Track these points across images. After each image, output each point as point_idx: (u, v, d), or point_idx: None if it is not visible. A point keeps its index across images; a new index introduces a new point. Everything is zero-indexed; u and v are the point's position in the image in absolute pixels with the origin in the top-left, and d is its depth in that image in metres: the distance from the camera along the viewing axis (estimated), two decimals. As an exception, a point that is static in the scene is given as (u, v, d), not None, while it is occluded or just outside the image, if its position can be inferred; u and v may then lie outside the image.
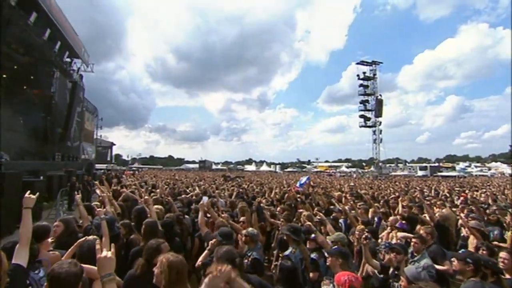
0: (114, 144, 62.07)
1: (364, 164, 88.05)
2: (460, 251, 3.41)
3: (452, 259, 2.64)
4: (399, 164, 76.27)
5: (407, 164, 78.83)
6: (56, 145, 19.78)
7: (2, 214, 5.74)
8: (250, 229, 3.33)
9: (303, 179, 11.03)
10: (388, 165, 65.81)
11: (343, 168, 71.58)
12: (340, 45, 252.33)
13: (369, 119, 44.63)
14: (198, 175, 24.80)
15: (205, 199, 4.01)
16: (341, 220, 5.23)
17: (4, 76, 16.36)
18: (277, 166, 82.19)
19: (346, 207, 5.60)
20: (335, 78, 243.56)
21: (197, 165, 77.56)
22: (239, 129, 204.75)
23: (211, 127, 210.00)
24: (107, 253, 1.38)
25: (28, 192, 2.18)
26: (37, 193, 2.19)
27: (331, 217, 5.02)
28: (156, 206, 4.49)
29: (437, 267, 2.93)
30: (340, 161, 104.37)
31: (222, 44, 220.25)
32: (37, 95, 18.60)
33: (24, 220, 1.95)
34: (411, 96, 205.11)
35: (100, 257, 1.36)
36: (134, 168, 59.90)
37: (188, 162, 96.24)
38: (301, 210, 5.22)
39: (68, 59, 20.06)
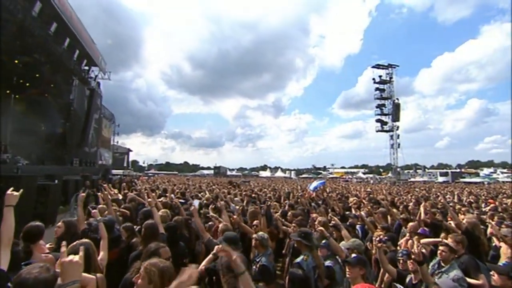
0: (131, 151, 63.56)
1: (381, 170, 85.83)
2: (498, 264, 3.05)
3: (491, 273, 2.31)
4: (418, 170, 73.79)
5: (426, 170, 76.14)
6: (74, 150, 20.31)
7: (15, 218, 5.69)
8: (260, 233, 3.12)
9: (315, 183, 10.57)
10: (406, 171, 63.70)
11: (360, 174, 69.98)
12: (355, 50, 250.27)
13: (385, 123, 43.46)
14: (211, 180, 24.76)
15: (195, 203, 3.81)
16: (358, 227, 4.92)
17: (28, 84, 17.10)
18: (292, 172, 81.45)
19: (363, 213, 5.28)
20: (351, 83, 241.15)
21: (212, 172, 77.94)
22: (254, 135, 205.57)
23: (226, 134, 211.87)
24: (73, 257, 1.18)
25: (11, 189, 2.02)
26: (21, 190, 2.02)
27: (347, 223, 4.72)
28: (162, 210, 4.38)
29: (470, 280, 2.60)
30: (356, 167, 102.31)
31: (237, 51, 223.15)
32: (57, 102, 19.24)
33: (6, 219, 1.80)
34: (430, 100, 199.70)
35: (63, 261, 1.17)
36: (150, 174, 61.00)
37: (203, 168, 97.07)
38: (314, 215, 4.93)
39: (86, 67, 20.74)
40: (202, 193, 9.07)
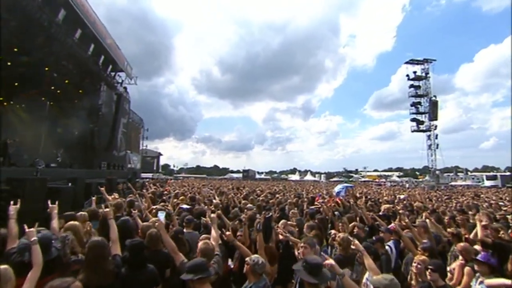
0: (161, 154, 65.75)
1: (417, 173, 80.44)
2: None
3: None
4: (459, 173, 67.94)
5: (469, 173, 69.88)
6: (102, 154, 20.92)
7: (21, 220, 5.44)
8: (254, 256, 2.37)
9: (340, 186, 9.38)
10: (446, 174, 58.78)
11: (394, 178, 65.82)
12: (388, 47, 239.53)
13: (422, 122, 40.43)
14: (237, 184, 24.28)
15: (160, 216, 3.10)
16: (390, 243, 3.96)
17: (58, 92, 17.85)
18: (322, 176, 78.90)
19: (396, 223, 4.29)
20: (384, 82, 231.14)
21: (240, 175, 78.05)
22: (283, 138, 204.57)
23: (255, 137, 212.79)
24: None
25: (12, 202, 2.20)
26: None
27: (375, 238, 3.79)
28: (153, 219, 3.78)
29: None
30: (390, 170, 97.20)
31: (266, 53, 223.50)
32: (86, 107, 19.93)
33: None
34: (472, 97, 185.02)
35: None
36: (180, 178, 62.40)
37: (233, 171, 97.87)
38: (333, 232, 4.04)
39: (112, 73, 21.35)
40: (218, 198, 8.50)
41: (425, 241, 3.49)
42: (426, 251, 2.93)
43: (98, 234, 3.29)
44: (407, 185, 42.20)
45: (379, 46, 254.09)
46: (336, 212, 5.81)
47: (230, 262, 3.35)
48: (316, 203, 7.78)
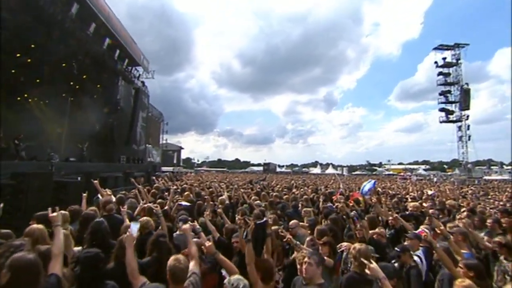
0: (182, 148, 66.84)
1: (445, 166, 76.27)
2: None
3: None
4: (492, 167, 63.44)
5: (504, 166, 65.09)
6: (121, 148, 21.26)
7: (24, 215, 5.34)
8: (234, 278, 1.87)
9: (367, 185, 8.42)
10: (478, 167, 55.09)
11: (421, 171, 62.56)
12: (414, 35, 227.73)
13: (452, 112, 37.82)
14: (256, 177, 23.92)
15: (133, 228, 2.60)
16: (419, 252, 3.29)
17: (77, 87, 18.15)
18: (344, 169, 76.86)
19: (425, 229, 3.60)
20: (409, 72, 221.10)
21: (261, 168, 77.87)
22: (305, 131, 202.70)
23: (276, 130, 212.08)
24: None
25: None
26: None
27: (400, 248, 3.14)
28: (143, 218, 3.38)
29: None
30: (416, 163, 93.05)
31: (286, 45, 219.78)
32: (105, 102, 20.24)
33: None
34: (508, 86, 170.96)
35: None
36: (202, 171, 63.21)
37: (254, 165, 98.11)
38: (345, 244, 3.37)
39: (130, 67, 21.46)
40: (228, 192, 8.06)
41: (465, 252, 2.81)
42: (471, 270, 2.27)
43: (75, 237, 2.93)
44: (435, 179, 39.67)
45: (405, 34, 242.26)
46: (352, 212, 5.16)
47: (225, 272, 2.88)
48: (334, 200, 7.11)
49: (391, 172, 65.30)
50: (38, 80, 15.66)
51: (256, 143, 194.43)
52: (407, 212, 5.96)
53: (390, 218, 4.53)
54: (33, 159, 12.10)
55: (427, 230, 3.51)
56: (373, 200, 5.75)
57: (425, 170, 65.73)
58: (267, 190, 9.98)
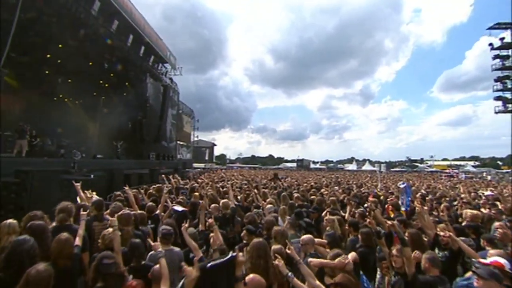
0: (215, 145, 67.80)
1: (499, 163, 68.09)
2: None
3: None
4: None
5: None
6: (151, 145, 21.52)
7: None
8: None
9: (405, 198, 6.04)
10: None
11: (469, 168, 55.94)
12: (462, 19, 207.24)
13: (510, 101, 33.10)
14: (284, 175, 22.93)
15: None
16: None
17: (106, 85, 18.57)
18: (382, 165, 72.28)
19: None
20: (456, 60, 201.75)
21: (295, 164, 76.30)
22: (340, 126, 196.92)
23: (311, 126, 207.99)
24: None
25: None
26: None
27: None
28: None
29: None
30: (463, 159, 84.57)
31: (319, 38, 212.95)
32: (134, 99, 20.54)
33: None
34: None
35: None
36: (235, 167, 63.56)
37: (287, 161, 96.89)
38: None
39: (160, 64, 21.56)
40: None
41: None
42: None
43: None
44: (489, 177, 34.72)
45: (451, 19, 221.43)
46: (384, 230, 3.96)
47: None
48: (369, 204, 5.91)
49: (434, 169, 59.62)
50: (69, 80, 16.18)
51: (290, 139, 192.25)
52: (465, 223, 4.62)
53: (442, 234, 3.33)
54: (62, 156, 12.38)
55: (505, 262, 2.32)
56: (416, 205, 4.41)
57: (474, 166, 58.78)
58: (290, 190, 8.98)
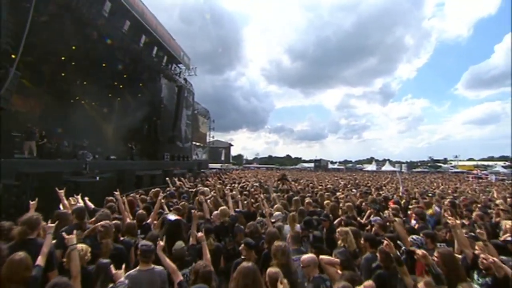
0: (232, 145, 67.82)
1: (533, 163, 63.10)
2: None
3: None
4: None
5: None
6: (166, 145, 21.53)
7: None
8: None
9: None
10: None
11: (498, 169, 51.79)
12: (490, 11, 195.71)
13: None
14: (295, 175, 22.24)
15: None
16: None
17: (121, 86, 18.71)
18: (403, 166, 69.35)
19: None
20: (484, 54, 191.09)
21: (312, 165, 74.87)
22: (359, 125, 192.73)
23: (329, 125, 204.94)
24: None
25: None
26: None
27: None
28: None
29: None
30: (491, 159, 79.44)
31: (337, 36, 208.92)
32: (149, 100, 20.60)
33: None
34: None
35: None
36: (252, 167, 63.14)
37: (305, 161, 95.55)
38: None
39: (174, 65, 21.51)
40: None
41: None
42: None
43: None
44: None
45: (477, 12, 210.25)
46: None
47: None
48: (388, 212, 5.24)
49: (459, 170, 56.02)
50: (85, 82, 16.39)
51: (308, 139, 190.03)
52: (507, 237, 3.89)
53: (482, 257, 2.68)
54: (75, 157, 12.44)
55: None
56: (447, 218, 3.68)
57: (504, 167, 54.40)
58: (303, 194, 8.40)
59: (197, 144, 33.01)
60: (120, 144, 18.85)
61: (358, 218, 5.76)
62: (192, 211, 3.64)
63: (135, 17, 14.06)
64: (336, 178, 18.47)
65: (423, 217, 5.03)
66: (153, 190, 5.47)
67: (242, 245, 3.32)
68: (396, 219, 4.33)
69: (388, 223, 4.41)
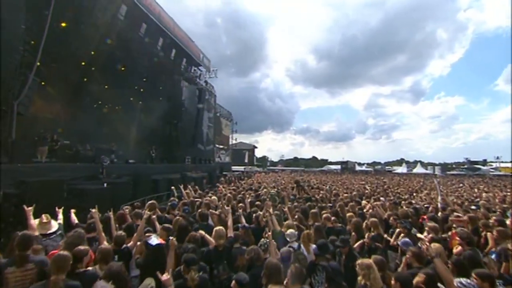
0: (256, 147, 67.30)
1: None
2: None
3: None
4: None
5: None
6: (187, 149, 21.42)
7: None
8: None
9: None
10: None
11: None
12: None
13: None
14: (319, 179, 21.08)
15: None
16: None
17: (142, 90, 18.83)
18: (437, 168, 64.38)
19: None
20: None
21: (339, 166, 72.25)
22: (388, 125, 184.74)
23: (356, 126, 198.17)
24: None
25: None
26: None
27: None
28: None
29: None
30: (539, 160, 70.99)
31: (364, 34, 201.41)
32: (170, 104, 20.61)
33: None
34: None
35: None
36: (277, 170, 62.13)
37: (331, 163, 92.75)
38: None
39: (193, 67, 21.41)
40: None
41: None
42: None
43: None
44: None
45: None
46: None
47: None
48: (424, 242, 4.24)
49: (502, 173, 50.58)
50: (106, 86, 16.60)
51: (335, 140, 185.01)
52: None
53: None
54: (93, 161, 12.47)
55: None
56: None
57: None
58: (324, 204, 7.50)
59: (220, 146, 32.87)
60: (141, 148, 18.98)
61: (386, 236, 4.85)
62: (171, 238, 2.99)
63: (152, 20, 13.94)
64: (363, 183, 17.09)
65: (471, 241, 3.96)
66: (149, 202, 4.90)
67: (233, 281, 2.62)
68: (436, 246, 3.39)
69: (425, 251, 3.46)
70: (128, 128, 20.24)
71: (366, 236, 4.54)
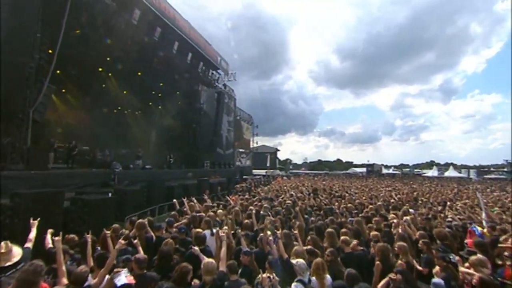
0: (278, 150, 66.29)
1: None
2: None
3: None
4: None
5: None
6: (206, 153, 21.14)
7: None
8: None
9: None
10: None
11: None
12: None
13: None
14: (342, 184, 19.78)
15: None
16: None
17: (160, 95, 18.83)
18: (472, 171, 59.00)
19: None
20: None
21: (365, 169, 69.23)
22: (416, 126, 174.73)
23: (382, 127, 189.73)
24: None
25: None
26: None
27: None
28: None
29: None
30: None
31: (389, 32, 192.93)
32: (189, 108, 20.48)
33: None
34: None
35: None
36: (301, 173, 60.60)
37: (357, 165, 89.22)
38: None
39: (211, 71, 21.12)
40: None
41: None
42: None
43: None
44: None
45: None
46: None
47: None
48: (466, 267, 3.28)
49: None
50: (125, 92, 16.70)
51: (360, 142, 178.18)
52: None
53: None
54: (107, 167, 12.40)
55: None
56: None
57: None
58: (344, 219, 6.58)
59: (241, 150, 32.46)
60: (159, 152, 18.96)
61: (417, 265, 3.97)
62: (115, 269, 2.35)
63: (167, 23, 13.74)
64: (389, 189, 15.63)
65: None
66: (138, 221, 4.29)
67: None
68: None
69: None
70: (147, 133, 20.36)
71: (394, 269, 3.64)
